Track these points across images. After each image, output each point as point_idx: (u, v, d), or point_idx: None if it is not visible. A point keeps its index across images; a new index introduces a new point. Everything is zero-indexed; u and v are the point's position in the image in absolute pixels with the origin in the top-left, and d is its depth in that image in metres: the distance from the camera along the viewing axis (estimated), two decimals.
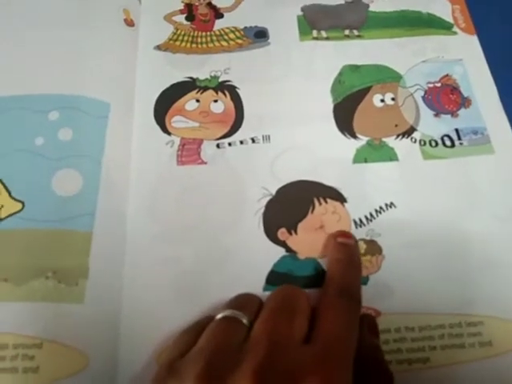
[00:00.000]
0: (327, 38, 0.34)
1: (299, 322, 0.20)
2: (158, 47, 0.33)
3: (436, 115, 0.32)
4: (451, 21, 0.35)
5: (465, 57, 0.34)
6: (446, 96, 0.32)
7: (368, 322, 0.23)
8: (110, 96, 0.29)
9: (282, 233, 0.27)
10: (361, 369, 0.19)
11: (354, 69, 0.33)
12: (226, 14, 0.35)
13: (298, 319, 0.20)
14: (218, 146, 0.30)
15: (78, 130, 0.27)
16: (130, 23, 0.32)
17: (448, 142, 0.31)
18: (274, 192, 0.29)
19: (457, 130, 0.31)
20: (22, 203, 0.25)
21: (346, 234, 0.26)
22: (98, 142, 0.27)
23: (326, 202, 0.28)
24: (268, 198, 0.28)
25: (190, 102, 0.31)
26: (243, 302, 0.23)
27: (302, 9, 0.35)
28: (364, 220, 0.28)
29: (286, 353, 0.18)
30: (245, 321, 0.21)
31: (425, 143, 0.31)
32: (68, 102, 0.28)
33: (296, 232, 0.27)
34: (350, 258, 0.25)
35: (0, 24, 0.30)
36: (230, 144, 0.30)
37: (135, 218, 0.28)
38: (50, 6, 0.31)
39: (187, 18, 0.35)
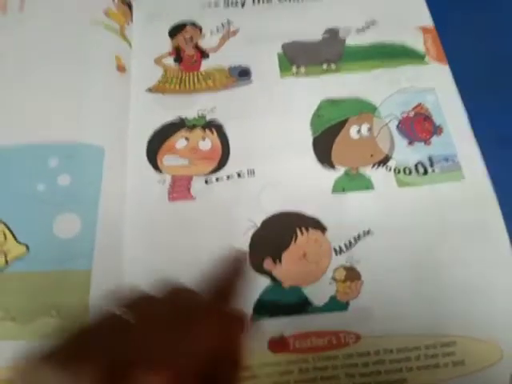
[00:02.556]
0: (306, 74, 0.36)
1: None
2: (150, 89, 0.36)
3: (410, 143, 0.34)
4: (423, 51, 0.37)
5: (437, 86, 0.36)
6: (419, 125, 0.34)
7: (236, 315, 0.21)
8: (104, 140, 0.31)
9: (267, 263, 0.30)
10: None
11: (331, 103, 0.35)
12: (211, 54, 0.38)
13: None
14: (206, 181, 0.32)
15: (76, 175, 0.29)
16: (121, 69, 0.35)
17: (421, 169, 0.33)
18: (259, 224, 0.31)
19: (429, 158, 0.33)
20: (27, 247, 0.27)
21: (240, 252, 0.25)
22: (94, 186, 0.29)
23: (308, 231, 0.31)
24: (253, 230, 0.31)
25: (179, 141, 0.34)
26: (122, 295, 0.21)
27: (283, 46, 0.38)
28: (343, 247, 0.30)
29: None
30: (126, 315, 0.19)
31: (399, 171, 0.33)
32: (66, 150, 0.30)
33: (280, 262, 0.30)
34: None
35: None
36: (217, 179, 0.32)
37: (132, 253, 0.30)
38: (46, 58, 0.33)
39: (175, 60, 0.37)
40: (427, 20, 0.39)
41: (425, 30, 0.38)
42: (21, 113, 0.31)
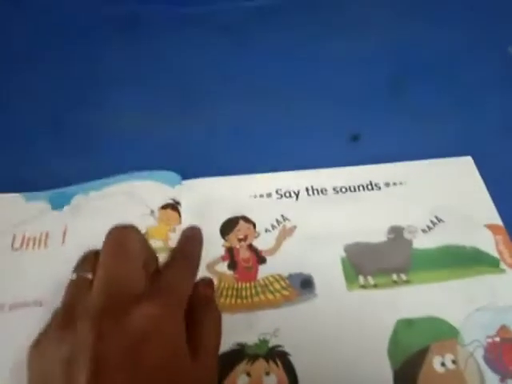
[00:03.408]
0: (375, 286, 0.33)
1: (133, 265, 0.25)
2: None
3: (502, 380, 0.30)
4: (497, 255, 0.35)
5: None
6: (508, 354, 0.31)
7: (204, 281, 0.29)
8: None
9: None
10: (194, 311, 0.26)
11: (407, 324, 0.31)
12: (268, 258, 0.34)
13: (131, 263, 0.25)
14: None
15: None
16: None
17: None
18: None
19: None
20: None
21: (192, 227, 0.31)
22: None
23: None
24: None
25: (240, 378, 0.29)
26: (83, 260, 0.28)
27: (345, 249, 0.34)
28: None
29: (124, 290, 0.23)
30: (89, 276, 0.26)
31: None
32: None
33: None
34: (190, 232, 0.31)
35: None
36: None
37: None
38: None
39: (230, 266, 0.34)
40: (495, 216, 0.37)
41: (494, 228, 0.36)
42: None
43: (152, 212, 0.34)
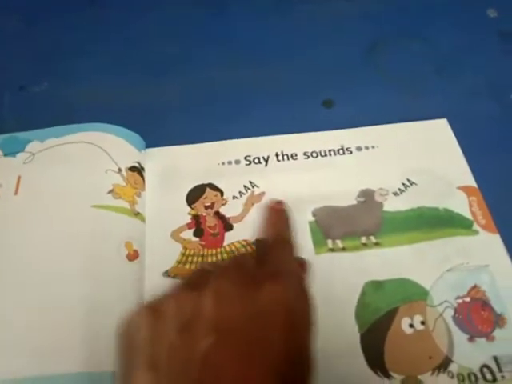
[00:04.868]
0: (343, 249, 0.32)
1: (247, 261, 0.26)
2: (167, 273, 0.31)
3: (470, 339, 0.29)
4: (470, 217, 0.34)
5: (491, 262, 0.32)
6: (477, 314, 0.30)
7: (299, 261, 0.28)
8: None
9: None
10: None
11: (376, 286, 0.31)
12: (235, 225, 0.33)
13: (246, 260, 0.26)
14: None
15: None
16: (133, 256, 0.30)
17: (489, 376, 0.28)
18: None
19: (495, 359, 0.28)
20: None
21: (278, 202, 0.30)
22: None
23: None
24: None
25: None
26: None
27: (313, 213, 0.34)
28: None
29: (242, 271, 0.24)
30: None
31: (463, 379, 0.28)
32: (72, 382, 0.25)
33: None
34: (281, 214, 0.30)
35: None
36: None
37: None
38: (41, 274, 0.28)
39: (195, 234, 0.33)
40: (469, 179, 0.36)
41: (469, 190, 0.35)
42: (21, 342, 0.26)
43: (120, 170, 0.33)
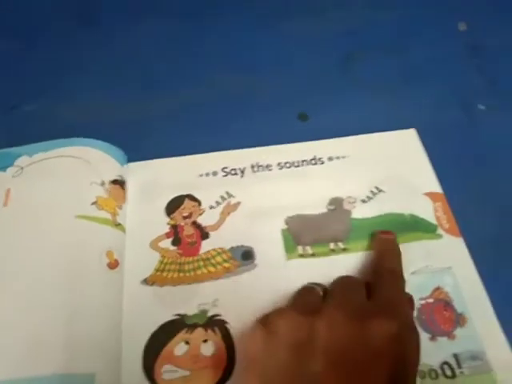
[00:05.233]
0: (313, 255, 0.34)
1: (360, 292, 0.28)
2: (145, 281, 0.33)
3: (432, 338, 0.31)
4: (435, 221, 0.36)
5: (453, 264, 0.34)
6: (440, 314, 0.32)
7: (408, 296, 0.30)
8: (94, 365, 0.28)
9: None
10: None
11: None
12: (211, 233, 0.35)
13: (359, 291, 0.28)
14: None
15: None
16: (114, 265, 0.32)
17: (448, 372, 0.30)
18: None
19: (455, 356, 0.30)
20: None
21: (387, 232, 0.34)
22: None
23: None
24: None
25: (179, 346, 0.30)
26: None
27: (286, 221, 0.36)
28: None
29: (355, 303, 0.26)
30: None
31: (424, 375, 0.29)
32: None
33: None
34: (393, 247, 0.32)
35: None
36: None
37: None
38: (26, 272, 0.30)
39: (173, 243, 0.35)
40: (435, 185, 0.37)
41: (433, 196, 0.37)
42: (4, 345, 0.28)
43: (103, 183, 0.35)
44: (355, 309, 0.25)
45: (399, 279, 0.30)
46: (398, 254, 0.32)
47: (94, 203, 0.33)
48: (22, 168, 0.34)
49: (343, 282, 0.29)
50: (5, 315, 0.28)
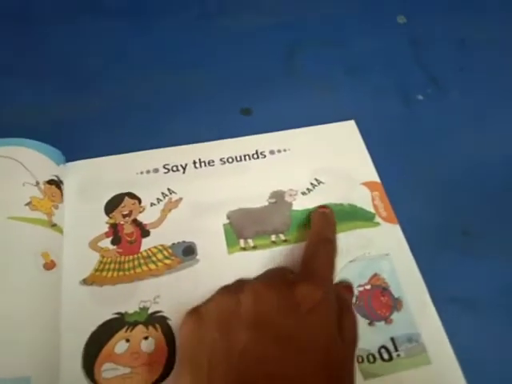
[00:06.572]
0: (254, 247, 0.34)
1: (285, 271, 0.30)
2: (84, 281, 0.32)
3: (370, 324, 0.32)
4: (372, 210, 0.36)
5: (391, 250, 0.34)
6: (377, 299, 0.32)
7: (343, 283, 0.31)
8: (30, 368, 0.27)
9: None
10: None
11: None
12: (152, 231, 0.35)
13: (283, 271, 0.31)
14: None
15: None
16: (50, 266, 0.31)
17: (385, 355, 0.30)
18: None
19: (392, 339, 0.31)
20: None
21: (324, 206, 0.35)
22: None
23: None
24: None
25: (119, 344, 0.30)
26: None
27: (228, 215, 0.36)
28: None
29: (280, 276, 0.29)
30: None
31: (362, 359, 0.30)
32: None
33: None
34: (330, 219, 0.34)
35: None
36: None
37: None
38: None
39: (113, 242, 0.34)
40: (373, 174, 0.38)
41: (372, 185, 0.38)
42: None
43: (37, 183, 0.34)
44: (279, 281, 0.26)
45: (332, 249, 0.31)
46: (333, 225, 0.33)
47: (27, 204, 0.32)
48: None
49: (267, 269, 0.31)
50: None
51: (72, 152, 0.38)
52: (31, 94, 0.43)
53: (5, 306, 0.29)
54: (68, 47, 0.47)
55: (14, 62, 0.45)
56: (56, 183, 0.35)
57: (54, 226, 0.33)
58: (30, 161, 0.34)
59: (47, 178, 0.35)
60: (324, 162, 0.39)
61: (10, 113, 0.41)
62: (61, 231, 0.34)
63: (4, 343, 0.27)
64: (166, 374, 0.29)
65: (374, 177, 0.38)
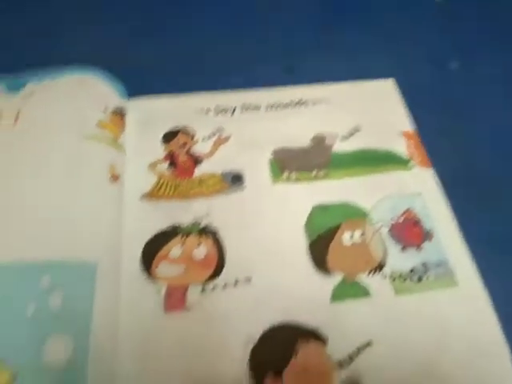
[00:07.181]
0: (297, 179, 0.37)
1: None
2: (144, 197, 0.36)
3: (403, 249, 0.34)
4: (407, 156, 0.39)
5: (423, 190, 0.37)
6: (410, 230, 0.35)
7: None
8: (97, 255, 0.30)
9: (269, 381, 0.28)
10: None
11: (323, 209, 0.36)
12: (204, 160, 0.38)
13: None
14: (202, 290, 0.32)
15: (67, 296, 0.28)
16: (115, 178, 0.35)
17: (416, 277, 0.33)
18: (257, 337, 0.30)
19: (423, 264, 0.33)
20: (12, 374, 0.25)
21: None
22: (86, 304, 0.28)
23: (309, 343, 0.30)
24: (252, 344, 0.30)
25: (174, 249, 0.33)
26: None
27: (273, 153, 0.39)
28: (346, 360, 0.29)
29: None
30: None
31: (394, 278, 0.33)
32: (57, 268, 0.29)
33: (282, 379, 0.28)
34: None
35: None
36: (213, 288, 0.32)
37: (125, 370, 0.28)
38: (35, 174, 0.33)
39: (170, 166, 0.38)
40: (409, 125, 0.41)
41: (407, 135, 0.41)
42: (7, 230, 0.30)
43: (106, 110, 0.38)
44: None
45: None
46: None
47: (97, 124, 0.36)
48: (32, 92, 0.37)
49: None
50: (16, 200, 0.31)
51: (134, 88, 0.41)
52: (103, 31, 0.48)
53: (78, 205, 0.32)
54: None
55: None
56: (120, 114, 0.39)
57: (118, 146, 0.37)
58: (99, 89, 0.38)
59: (113, 108, 0.38)
60: (363, 112, 0.42)
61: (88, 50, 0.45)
62: (124, 152, 0.37)
63: (77, 229, 0.31)
64: (214, 275, 0.32)
65: (410, 126, 0.41)
